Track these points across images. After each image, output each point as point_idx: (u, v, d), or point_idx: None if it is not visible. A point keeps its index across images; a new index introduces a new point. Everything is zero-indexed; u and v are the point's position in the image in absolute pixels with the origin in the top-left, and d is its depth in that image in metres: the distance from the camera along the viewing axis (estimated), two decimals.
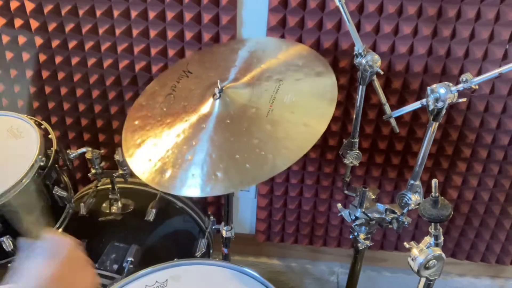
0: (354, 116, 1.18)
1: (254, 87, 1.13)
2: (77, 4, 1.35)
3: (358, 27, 1.29)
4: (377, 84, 1.14)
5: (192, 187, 1.01)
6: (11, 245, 1.07)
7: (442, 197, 0.86)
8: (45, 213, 0.86)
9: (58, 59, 1.45)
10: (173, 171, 1.03)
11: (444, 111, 0.96)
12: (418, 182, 1.08)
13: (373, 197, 1.20)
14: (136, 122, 1.16)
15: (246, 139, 1.04)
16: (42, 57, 1.45)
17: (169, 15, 1.33)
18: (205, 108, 1.11)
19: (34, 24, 1.39)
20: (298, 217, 1.67)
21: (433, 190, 0.85)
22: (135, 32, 1.37)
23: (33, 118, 1.23)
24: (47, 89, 1.50)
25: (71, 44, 1.42)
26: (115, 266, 1.16)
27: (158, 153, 1.07)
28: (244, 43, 1.32)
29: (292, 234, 1.72)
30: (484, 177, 1.50)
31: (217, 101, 1.10)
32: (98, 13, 1.35)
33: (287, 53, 1.25)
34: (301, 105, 1.08)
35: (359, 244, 1.24)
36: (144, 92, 1.25)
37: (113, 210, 1.32)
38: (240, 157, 1.01)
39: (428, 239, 0.88)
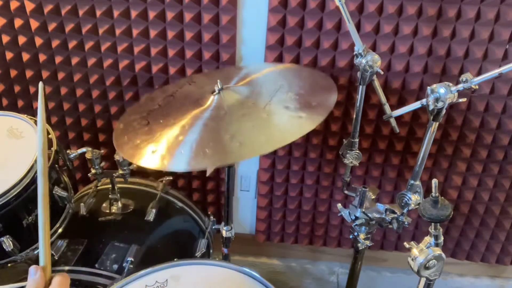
0: (354, 116, 1.18)
1: (254, 87, 1.13)
2: (77, 4, 1.35)
3: (358, 27, 1.29)
4: (377, 84, 1.14)
5: (180, 162, 0.98)
6: (11, 245, 1.07)
7: (442, 197, 0.86)
8: None
9: (58, 59, 1.45)
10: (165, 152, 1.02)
11: (444, 111, 0.96)
12: (418, 182, 1.08)
13: (373, 197, 1.20)
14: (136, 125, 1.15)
15: (239, 123, 1.03)
16: (42, 57, 1.45)
17: (169, 15, 1.33)
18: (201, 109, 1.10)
19: (34, 24, 1.39)
20: (298, 217, 1.67)
21: (433, 190, 0.85)
22: (135, 32, 1.37)
23: (33, 118, 1.23)
24: (47, 89, 1.50)
25: (71, 44, 1.42)
26: (115, 266, 1.16)
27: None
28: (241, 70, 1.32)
29: (292, 234, 1.72)
30: (484, 177, 1.50)
31: (216, 96, 1.10)
32: (98, 13, 1.35)
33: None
34: (300, 103, 1.08)
35: (359, 244, 1.24)
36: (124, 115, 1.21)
37: (113, 210, 1.32)
38: (231, 137, 1.00)
39: (428, 239, 0.88)
